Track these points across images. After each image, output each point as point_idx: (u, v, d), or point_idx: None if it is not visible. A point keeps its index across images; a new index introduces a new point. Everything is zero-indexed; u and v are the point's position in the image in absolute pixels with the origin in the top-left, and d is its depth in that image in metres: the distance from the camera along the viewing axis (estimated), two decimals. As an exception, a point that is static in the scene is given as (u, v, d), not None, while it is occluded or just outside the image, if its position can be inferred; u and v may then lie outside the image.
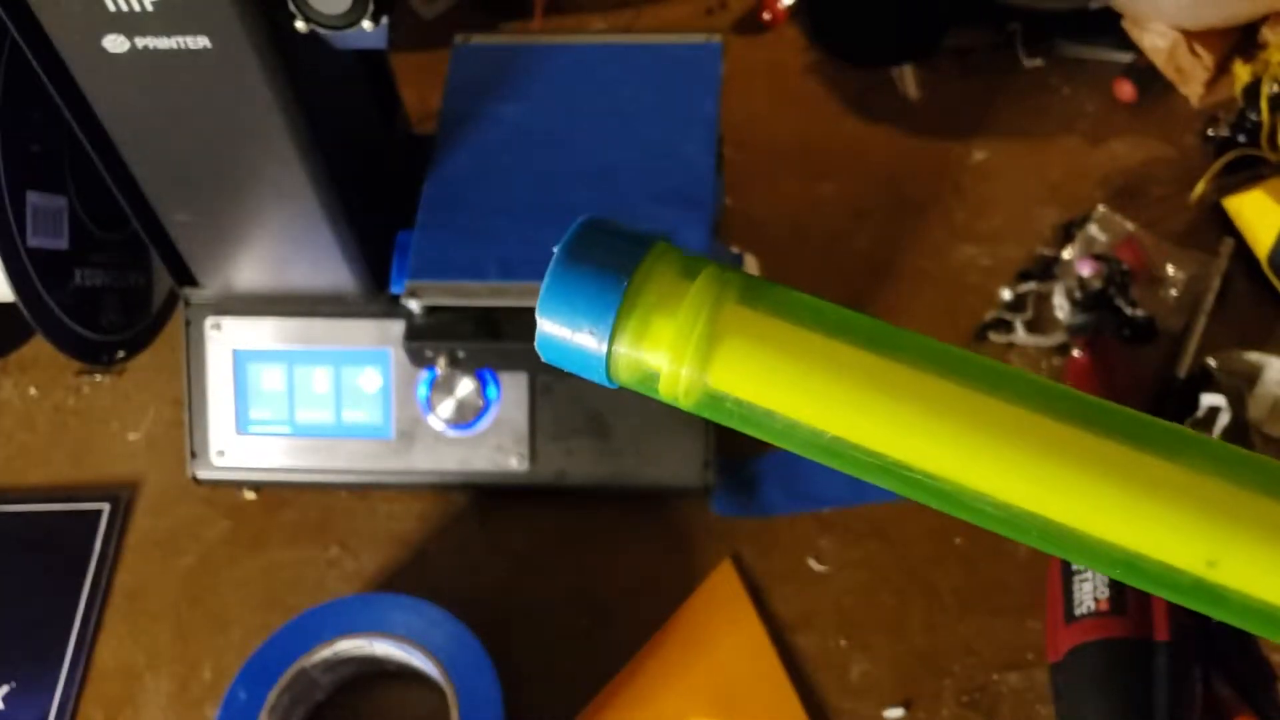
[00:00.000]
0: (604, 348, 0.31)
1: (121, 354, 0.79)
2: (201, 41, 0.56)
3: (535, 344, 0.32)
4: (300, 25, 0.58)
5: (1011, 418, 0.29)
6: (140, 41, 0.57)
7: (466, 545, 0.76)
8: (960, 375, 0.30)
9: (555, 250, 0.31)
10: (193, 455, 0.75)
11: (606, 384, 0.32)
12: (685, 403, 0.32)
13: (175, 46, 0.57)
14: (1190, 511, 0.27)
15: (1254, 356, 0.76)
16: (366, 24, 0.58)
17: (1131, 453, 0.28)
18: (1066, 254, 0.83)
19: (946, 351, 0.30)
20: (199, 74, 0.58)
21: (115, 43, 0.57)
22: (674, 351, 0.31)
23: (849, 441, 0.30)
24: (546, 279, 0.31)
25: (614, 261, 0.31)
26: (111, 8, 0.55)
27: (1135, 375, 0.75)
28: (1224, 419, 0.72)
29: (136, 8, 0.55)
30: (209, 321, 0.74)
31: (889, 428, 0.30)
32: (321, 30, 0.58)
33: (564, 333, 0.31)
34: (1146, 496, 0.28)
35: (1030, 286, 0.82)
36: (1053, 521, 0.29)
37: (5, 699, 0.72)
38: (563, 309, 0.31)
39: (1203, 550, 0.27)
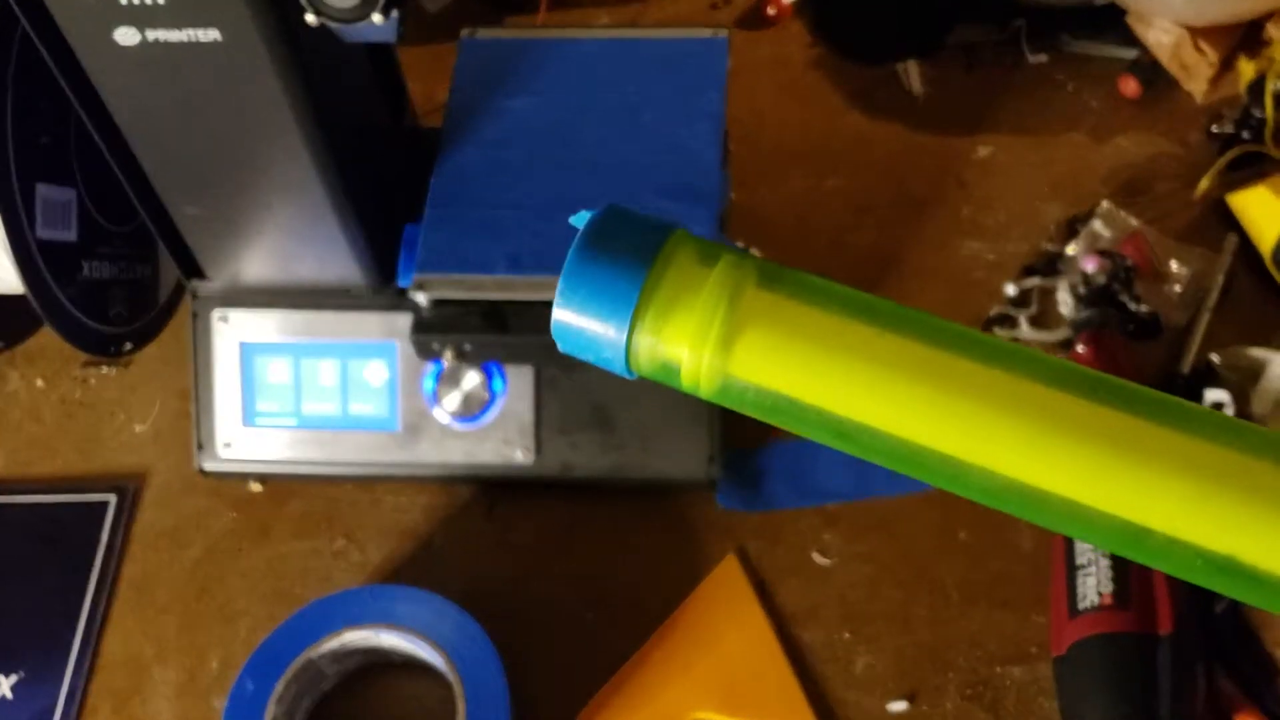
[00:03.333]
0: (624, 338, 0.31)
1: (129, 346, 0.79)
2: (212, 34, 0.57)
3: (551, 333, 0.32)
4: (310, 18, 0.58)
5: (1033, 395, 0.29)
6: (151, 34, 0.57)
7: (472, 537, 0.76)
8: (977, 355, 0.30)
9: (575, 239, 0.31)
10: (199, 447, 0.75)
11: (626, 374, 0.32)
12: (706, 390, 0.31)
13: (186, 39, 0.57)
14: (1205, 485, 0.27)
15: (1258, 352, 0.76)
16: (376, 17, 0.58)
17: (1152, 427, 0.28)
18: (1071, 250, 0.83)
19: (962, 332, 0.30)
20: (209, 67, 0.58)
21: (126, 35, 0.57)
22: (695, 340, 0.30)
23: (867, 425, 0.30)
24: (566, 268, 0.30)
25: (633, 251, 0.31)
26: (123, 0, 0.55)
27: (1139, 371, 0.75)
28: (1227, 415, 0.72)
29: (148, 0, 0.55)
30: (216, 314, 0.74)
31: (909, 407, 0.30)
32: (331, 23, 0.58)
33: (583, 323, 0.31)
34: (1165, 470, 0.28)
35: (1034, 282, 0.82)
36: (1075, 501, 0.28)
37: (13, 688, 0.72)
38: (582, 299, 0.31)
39: (1217, 525, 0.27)
